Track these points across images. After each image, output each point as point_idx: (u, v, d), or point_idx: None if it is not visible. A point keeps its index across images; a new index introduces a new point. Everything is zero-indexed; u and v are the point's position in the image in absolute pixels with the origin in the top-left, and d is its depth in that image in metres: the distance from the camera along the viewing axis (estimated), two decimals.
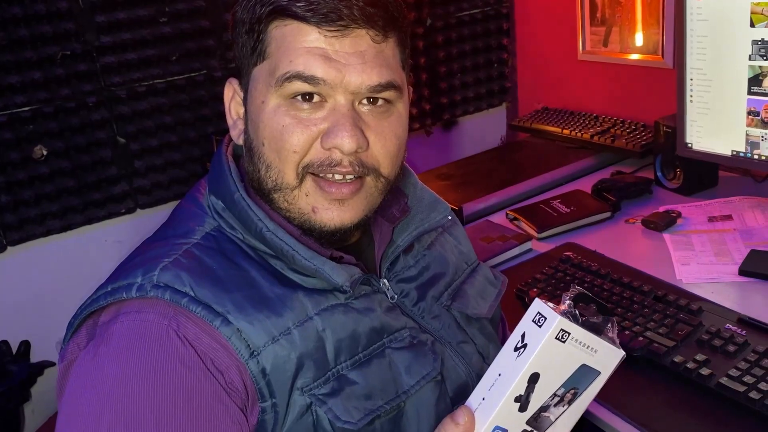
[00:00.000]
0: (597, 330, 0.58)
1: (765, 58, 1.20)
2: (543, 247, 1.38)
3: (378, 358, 0.71)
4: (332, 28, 0.66)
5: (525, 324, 0.57)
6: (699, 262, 1.23)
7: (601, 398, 0.92)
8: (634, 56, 1.77)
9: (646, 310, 1.05)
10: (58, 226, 1.60)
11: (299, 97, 0.68)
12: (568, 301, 0.57)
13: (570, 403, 0.60)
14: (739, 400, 0.87)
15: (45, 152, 1.55)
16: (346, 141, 0.67)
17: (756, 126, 1.26)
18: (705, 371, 0.91)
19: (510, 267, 1.32)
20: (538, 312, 0.56)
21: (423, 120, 2.07)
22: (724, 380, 0.89)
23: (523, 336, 0.57)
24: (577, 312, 0.57)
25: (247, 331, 0.65)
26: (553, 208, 1.47)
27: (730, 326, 0.99)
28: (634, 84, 1.80)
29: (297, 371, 0.67)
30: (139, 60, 1.61)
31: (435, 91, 2.06)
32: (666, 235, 1.34)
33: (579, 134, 1.78)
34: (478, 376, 0.79)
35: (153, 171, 1.69)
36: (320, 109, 0.69)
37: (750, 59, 1.22)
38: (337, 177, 0.70)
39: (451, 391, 0.75)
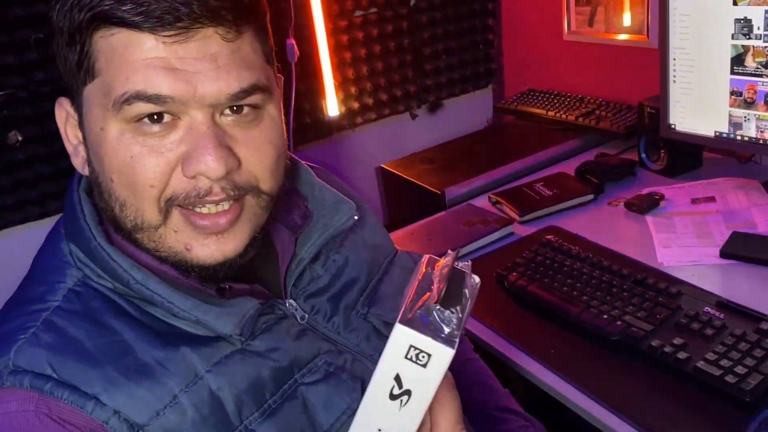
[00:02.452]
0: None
1: (748, 36, 1.18)
2: (525, 231, 1.36)
3: (290, 400, 0.63)
4: (171, 32, 0.55)
5: (395, 362, 0.45)
6: (680, 244, 1.22)
7: (576, 383, 0.93)
8: (620, 36, 1.75)
9: (625, 293, 1.04)
10: (36, 213, 1.58)
11: (146, 119, 0.57)
12: (447, 314, 0.45)
13: None
14: (716, 384, 0.86)
15: (20, 138, 1.52)
16: (212, 166, 0.57)
17: (739, 106, 1.24)
18: (682, 355, 0.90)
19: (491, 251, 1.31)
20: (412, 346, 0.44)
21: (408, 102, 2.04)
22: (700, 364, 0.88)
23: (399, 380, 0.45)
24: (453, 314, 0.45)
25: (126, 409, 0.57)
26: (536, 191, 1.45)
27: (709, 309, 0.98)
28: (619, 64, 1.78)
29: None
30: None
31: (419, 73, 2.03)
32: (648, 218, 1.32)
33: (564, 116, 1.76)
34: None
35: None
36: (174, 129, 0.58)
37: (733, 38, 1.20)
38: (210, 209, 0.60)
39: None
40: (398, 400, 0.45)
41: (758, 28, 1.16)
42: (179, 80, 0.56)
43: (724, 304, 0.99)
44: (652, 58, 1.44)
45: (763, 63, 1.17)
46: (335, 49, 1.84)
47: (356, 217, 0.76)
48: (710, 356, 0.89)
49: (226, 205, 0.60)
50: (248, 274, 0.69)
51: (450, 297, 0.46)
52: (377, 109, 1.98)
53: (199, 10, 0.55)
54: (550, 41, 1.95)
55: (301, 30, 1.77)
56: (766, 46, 1.16)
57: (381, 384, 0.45)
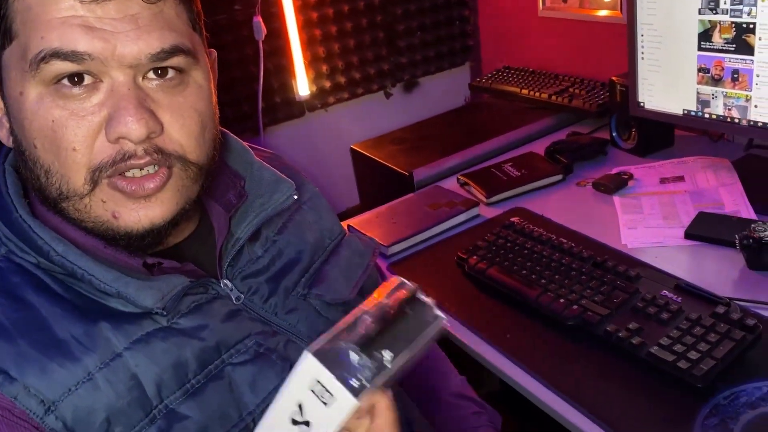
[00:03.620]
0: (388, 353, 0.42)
1: (714, 11, 1.15)
2: (492, 213, 1.34)
3: (215, 380, 0.62)
4: None
5: (299, 389, 0.43)
6: (646, 225, 1.20)
7: (529, 368, 0.91)
8: (594, 12, 1.71)
9: (584, 277, 1.02)
10: None
11: (65, 81, 0.56)
12: (357, 359, 0.41)
13: None
14: (668, 370, 0.84)
15: None
16: (132, 127, 0.56)
17: (707, 83, 1.21)
18: (636, 340, 0.88)
19: (456, 234, 1.29)
20: (318, 381, 0.42)
21: (382, 81, 2.00)
22: (654, 349, 0.86)
23: (301, 408, 0.43)
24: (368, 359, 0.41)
25: (37, 385, 0.56)
26: (504, 172, 1.43)
27: (666, 293, 0.96)
28: (593, 41, 1.74)
29: (108, 420, 0.57)
30: None
31: (393, 51, 1.99)
32: (616, 198, 1.30)
33: (537, 94, 1.73)
34: None
35: None
36: (95, 92, 0.57)
37: (700, 13, 1.17)
38: (136, 173, 0.59)
39: None
40: (298, 427, 0.43)
41: (725, 3, 1.12)
42: (97, 38, 0.55)
43: (681, 287, 0.97)
44: (626, 34, 1.41)
45: (730, 39, 1.14)
46: (304, 26, 1.80)
47: (295, 197, 0.75)
48: (664, 341, 0.87)
49: (152, 170, 0.59)
50: (182, 253, 0.69)
51: (382, 340, 0.42)
52: (350, 88, 1.94)
53: None
54: (525, 17, 1.91)
55: (268, 6, 1.72)
56: (732, 22, 1.13)
57: (284, 406, 0.43)
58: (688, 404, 0.81)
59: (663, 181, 1.33)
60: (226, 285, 0.68)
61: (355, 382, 0.41)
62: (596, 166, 1.45)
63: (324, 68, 1.87)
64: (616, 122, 1.49)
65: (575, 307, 0.96)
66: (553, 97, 1.68)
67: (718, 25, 1.15)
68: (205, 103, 0.63)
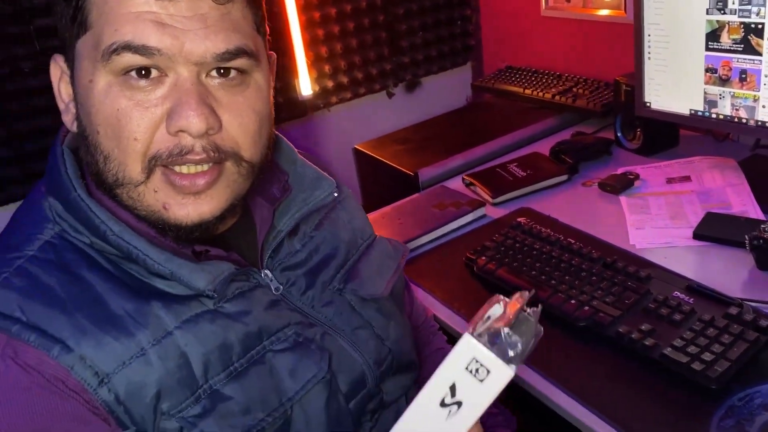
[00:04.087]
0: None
1: (723, 11, 1.15)
2: (498, 213, 1.33)
3: (257, 365, 0.65)
4: None
5: (454, 371, 0.45)
6: (654, 226, 1.20)
7: (542, 371, 0.91)
8: (597, 12, 1.71)
9: (594, 278, 1.02)
10: None
11: (133, 73, 0.59)
12: (516, 343, 0.45)
13: None
14: (682, 372, 0.84)
15: None
16: (193, 121, 0.58)
17: (714, 83, 1.21)
18: (649, 341, 0.88)
19: (463, 234, 1.28)
20: (474, 359, 0.45)
21: (384, 81, 2.00)
22: (667, 351, 0.86)
23: (453, 389, 0.45)
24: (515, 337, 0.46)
25: (93, 356, 0.57)
26: (510, 172, 1.42)
27: (678, 294, 0.96)
28: (597, 41, 1.74)
29: (158, 395, 0.59)
30: None
31: (395, 50, 1.99)
32: (622, 198, 1.30)
33: (541, 94, 1.73)
34: (376, 363, 0.75)
35: None
36: (160, 85, 0.59)
37: (708, 13, 1.17)
38: (190, 169, 0.61)
39: (344, 386, 0.70)
40: (447, 409, 0.46)
41: (733, 3, 1.12)
42: (167, 35, 0.57)
43: (693, 288, 0.97)
44: (630, 33, 1.41)
45: (738, 39, 1.14)
46: (307, 26, 1.79)
47: (335, 194, 0.78)
48: (677, 343, 0.87)
49: (205, 167, 0.61)
50: (227, 243, 0.70)
51: (519, 328, 0.47)
52: (353, 88, 1.94)
53: None
54: (527, 17, 1.91)
55: (271, 6, 1.70)
56: (740, 22, 1.13)
57: (436, 389, 0.46)
58: (702, 406, 0.81)
59: (669, 181, 1.33)
60: (266, 275, 0.70)
61: (509, 357, 0.44)
62: (601, 167, 1.44)
63: (326, 68, 1.86)
64: (621, 122, 1.49)
65: (587, 308, 0.96)
66: (557, 97, 1.68)
67: (727, 26, 1.15)
68: (263, 104, 0.65)
